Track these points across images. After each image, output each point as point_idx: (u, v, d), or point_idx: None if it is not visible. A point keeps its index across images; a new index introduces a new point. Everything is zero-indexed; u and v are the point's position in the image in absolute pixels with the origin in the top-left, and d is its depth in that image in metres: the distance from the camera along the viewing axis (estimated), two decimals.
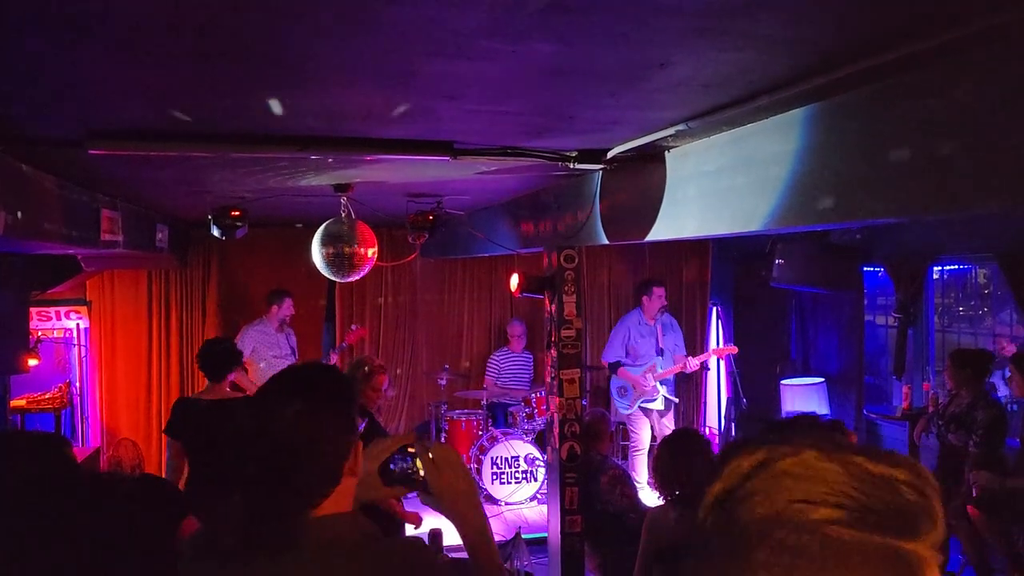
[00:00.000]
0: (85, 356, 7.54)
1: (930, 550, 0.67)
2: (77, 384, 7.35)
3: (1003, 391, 5.85)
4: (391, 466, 1.57)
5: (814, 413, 5.29)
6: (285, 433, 1.38)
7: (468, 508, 1.57)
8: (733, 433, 7.92)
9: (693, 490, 3.39)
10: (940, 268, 7.09)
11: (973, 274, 7.21)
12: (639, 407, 7.32)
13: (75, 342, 7.49)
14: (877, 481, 0.66)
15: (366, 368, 4.52)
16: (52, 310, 7.43)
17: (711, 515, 0.67)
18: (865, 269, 7.30)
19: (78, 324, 7.52)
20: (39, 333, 7.05)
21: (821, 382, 7.67)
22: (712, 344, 8.64)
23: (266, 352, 6.95)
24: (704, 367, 7.62)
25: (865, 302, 7.55)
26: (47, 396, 6.88)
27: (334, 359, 7.41)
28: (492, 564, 1.58)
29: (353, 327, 7.77)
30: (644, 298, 7.33)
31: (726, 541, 0.65)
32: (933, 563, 0.67)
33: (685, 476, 3.42)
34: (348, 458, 1.45)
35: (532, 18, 1.79)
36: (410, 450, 1.57)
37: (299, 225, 7.26)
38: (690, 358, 7.29)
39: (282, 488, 1.40)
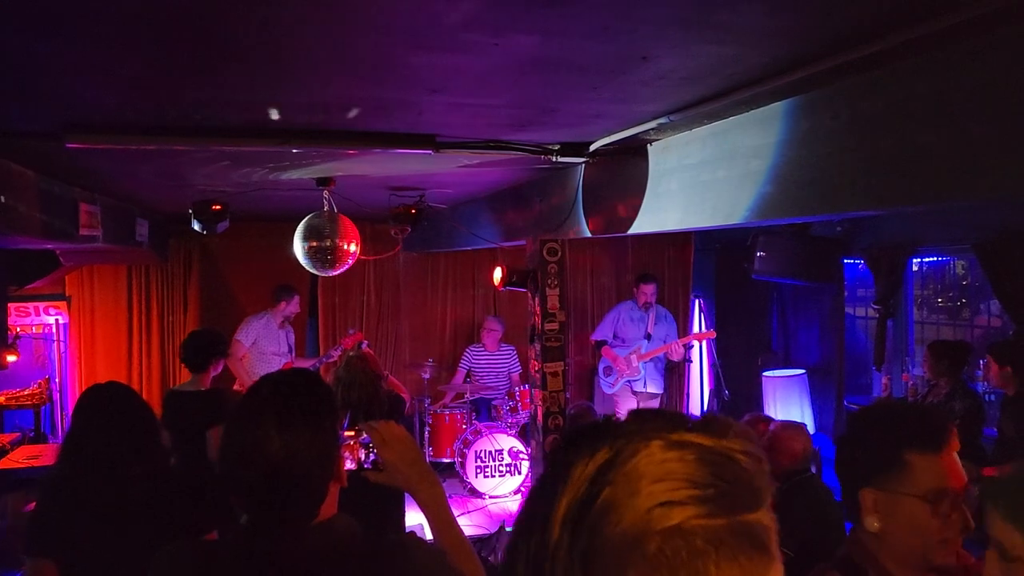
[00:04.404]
0: (64, 352, 7.47)
1: (769, 516, 0.67)
2: (57, 380, 7.28)
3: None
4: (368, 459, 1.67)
5: (763, 415, 5.30)
6: (269, 466, 1.40)
7: (420, 477, 1.68)
8: None
9: None
10: (919, 260, 7.17)
11: (951, 265, 7.29)
12: (627, 387, 7.38)
13: (54, 338, 7.42)
14: (720, 459, 0.66)
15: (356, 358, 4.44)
16: (31, 305, 7.35)
17: (566, 533, 0.64)
18: (845, 261, 7.37)
19: (57, 320, 7.44)
20: (17, 329, 6.97)
21: (802, 373, 7.73)
22: None
23: (267, 347, 6.91)
24: (687, 359, 7.67)
25: (845, 294, 7.62)
26: (26, 392, 6.81)
27: (335, 355, 7.36)
28: (452, 533, 1.65)
29: (350, 331, 7.73)
30: (634, 289, 7.54)
31: (592, 561, 0.63)
32: (774, 529, 0.67)
33: None
34: (333, 474, 1.48)
35: (515, 10, 1.79)
36: (363, 436, 1.67)
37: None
38: (677, 341, 7.36)
39: (272, 511, 1.43)
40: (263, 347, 6.89)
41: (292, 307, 7.10)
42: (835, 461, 1.62)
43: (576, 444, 0.69)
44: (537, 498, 0.68)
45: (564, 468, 0.67)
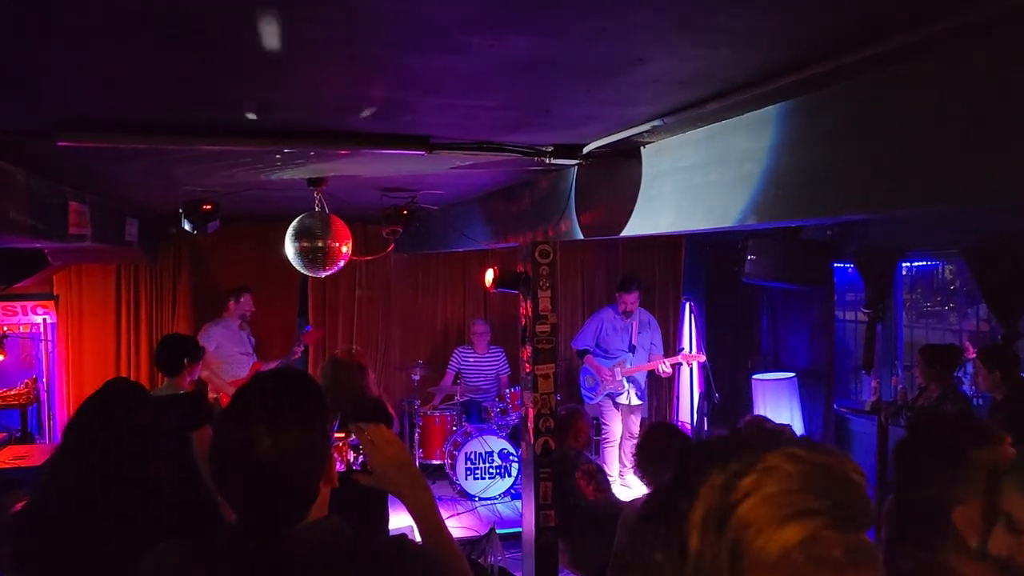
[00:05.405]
0: (52, 352, 7.42)
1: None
2: (44, 380, 7.23)
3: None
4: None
5: (762, 416, 5.35)
6: (259, 467, 1.39)
7: (408, 481, 1.67)
8: (706, 427, 8.00)
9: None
10: (908, 264, 7.20)
11: (940, 270, 7.32)
12: (610, 399, 7.37)
13: (42, 337, 7.37)
14: (837, 476, 0.71)
15: (343, 362, 4.49)
16: (18, 304, 7.30)
17: (708, 540, 0.69)
18: (835, 265, 7.39)
19: (45, 319, 7.40)
20: (5, 328, 6.93)
21: (792, 377, 7.75)
22: (685, 341, 8.72)
23: (232, 348, 6.90)
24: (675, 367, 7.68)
25: (835, 298, 7.64)
26: (13, 392, 6.77)
27: (299, 352, 7.33)
28: (440, 536, 1.64)
29: (307, 328, 7.72)
30: (617, 294, 7.37)
31: (740, 570, 0.68)
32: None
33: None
34: (323, 473, 1.47)
35: (511, 11, 1.79)
36: (352, 437, 1.66)
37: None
38: (664, 360, 7.32)
39: (262, 511, 1.42)
40: (229, 349, 6.88)
41: (244, 306, 7.10)
42: (905, 503, 1.61)
43: (705, 453, 0.75)
44: (669, 500, 0.74)
45: (696, 475, 0.73)
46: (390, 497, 1.68)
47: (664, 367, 7.30)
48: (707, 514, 0.69)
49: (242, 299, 7.06)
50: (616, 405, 7.39)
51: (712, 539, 0.69)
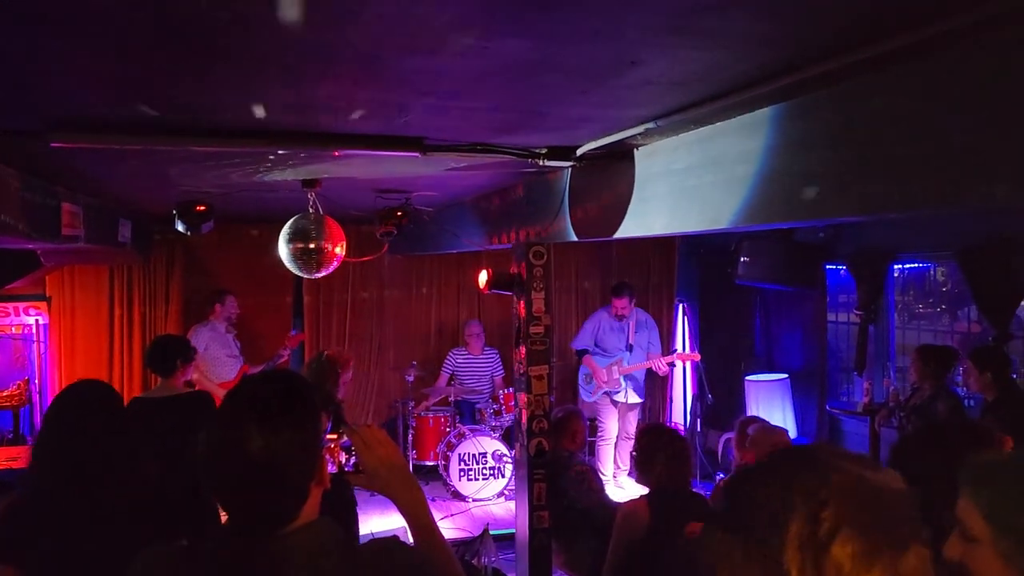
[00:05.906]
0: (44, 353, 7.39)
1: None
2: (36, 381, 7.20)
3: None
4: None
5: (755, 416, 5.36)
6: (250, 466, 1.39)
7: (400, 482, 1.67)
8: (699, 428, 8.03)
9: (669, 486, 3.48)
10: (900, 266, 7.23)
11: (932, 272, 7.35)
12: (607, 398, 7.39)
13: (34, 338, 7.34)
14: (896, 494, 0.84)
15: (325, 361, 4.54)
16: (10, 306, 7.27)
17: (804, 566, 0.80)
18: (828, 267, 7.42)
19: (37, 320, 7.37)
20: None
21: (785, 378, 7.78)
22: (679, 342, 8.74)
23: (219, 351, 6.90)
24: (672, 364, 7.71)
25: (828, 300, 7.67)
26: (5, 393, 6.74)
27: (285, 355, 7.34)
28: (433, 538, 1.64)
29: (293, 332, 7.73)
30: (611, 298, 7.43)
31: None
32: None
33: (664, 474, 3.52)
34: (315, 474, 1.47)
35: (506, 13, 1.79)
36: (344, 439, 1.66)
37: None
38: (661, 358, 7.35)
39: (253, 512, 1.42)
40: (216, 352, 6.89)
41: (229, 308, 7.11)
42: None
43: (769, 479, 0.86)
44: (749, 528, 0.85)
45: (777, 505, 0.84)
46: (384, 499, 1.68)
47: (661, 365, 7.34)
48: (801, 550, 0.78)
49: (226, 301, 7.07)
50: (614, 403, 7.41)
51: (809, 567, 0.81)
